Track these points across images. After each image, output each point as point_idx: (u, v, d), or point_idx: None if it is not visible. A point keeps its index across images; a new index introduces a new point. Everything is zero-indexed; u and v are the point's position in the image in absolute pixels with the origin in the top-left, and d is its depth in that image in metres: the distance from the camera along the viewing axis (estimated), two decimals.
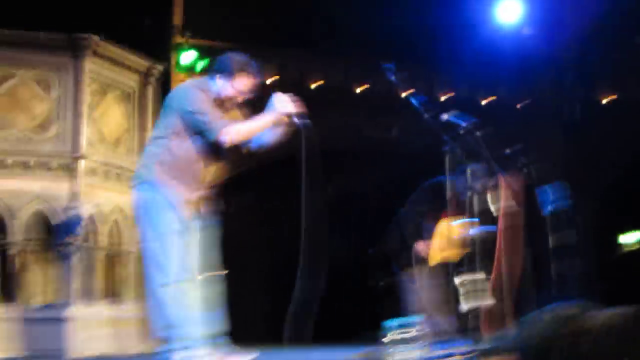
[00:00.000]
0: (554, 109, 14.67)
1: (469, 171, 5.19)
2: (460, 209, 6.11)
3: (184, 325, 4.49)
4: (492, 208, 5.37)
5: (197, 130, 4.34)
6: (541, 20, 13.28)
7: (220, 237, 4.77)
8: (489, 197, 5.54)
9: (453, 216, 6.68)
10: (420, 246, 6.65)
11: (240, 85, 4.41)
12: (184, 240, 4.54)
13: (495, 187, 5.42)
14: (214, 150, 4.42)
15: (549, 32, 13.44)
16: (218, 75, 4.42)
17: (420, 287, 6.81)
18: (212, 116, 4.29)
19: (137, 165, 4.65)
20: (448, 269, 6.93)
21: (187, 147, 4.41)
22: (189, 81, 4.53)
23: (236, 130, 4.26)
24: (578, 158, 13.85)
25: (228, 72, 4.41)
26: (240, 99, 4.49)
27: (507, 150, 6.58)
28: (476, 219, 5.42)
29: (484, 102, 14.48)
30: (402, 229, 6.74)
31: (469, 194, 5.18)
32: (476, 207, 5.26)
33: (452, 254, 6.88)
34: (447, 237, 6.82)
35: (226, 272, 4.64)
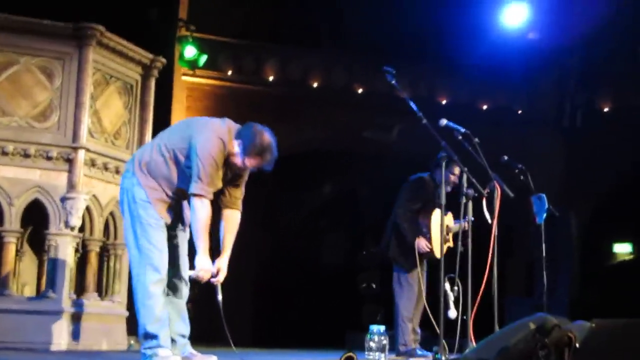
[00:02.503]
0: (555, 115, 14.69)
1: (464, 177, 5.21)
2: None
3: (158, 324, 4.50)
4: (486, 215, 5.39)
5: (188, 172, 4.50)
6: (545, 25, 13.29)
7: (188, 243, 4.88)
8: (483, 203, 5.55)
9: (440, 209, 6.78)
10: (421, 243, 6.66)
11: (250, 162, 4.55)
12: (164, 235, 4.58)
13: (491, 193, 5.43)
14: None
15: (553, 38, 13.45)
16: (238, 142, 4.49)
17: (415, 290, 6.84)
18: (207, 177, 4.44)
19: (131, 156, 4.71)
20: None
21: (173, 173, 4.59)
22: (217, 123, 4.58)
23: (202, 211, 4.44)
24: (578, 165, 13.88)
25: (246, 147, 4.50)
26: (244, 169, 4.65)
27: (505, 157, 6.63)
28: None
29: (484, 107, 14.51)
30: (399, 229, 6.77)
31: (463, 199, 5.21)
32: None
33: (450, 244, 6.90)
34: (444, 227, 6.86)
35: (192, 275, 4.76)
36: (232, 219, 4.74)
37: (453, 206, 5.19)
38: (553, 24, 13.22)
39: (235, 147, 4.53)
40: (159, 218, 4.58)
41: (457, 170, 6.44)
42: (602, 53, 13.71)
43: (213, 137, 4.49)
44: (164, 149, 4.59)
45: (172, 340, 4.71)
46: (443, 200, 5.10)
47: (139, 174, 4.60)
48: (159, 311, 4.54)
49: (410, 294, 6.79)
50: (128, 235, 4.65)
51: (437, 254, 6.71)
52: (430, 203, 6.78)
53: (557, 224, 9.46)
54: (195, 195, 4.43)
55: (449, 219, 6.80)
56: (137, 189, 4.58)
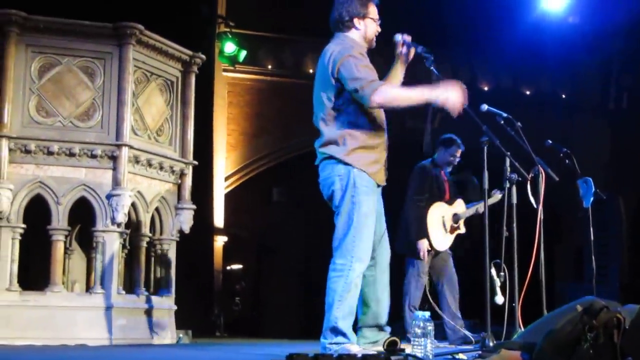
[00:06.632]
0: (600, 98, 14.46)
1: (507, 161, 5.16)
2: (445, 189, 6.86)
3: (349, 320, 4.25)
4: (531, 200, 5.32)
5: (353, 95, 4.25)
6: (587, 8, 13.08)
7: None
8: (528, 188, 5.49)
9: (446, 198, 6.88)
10: (422, 246, 6.72)
11: (375, 14, 4.39)
12: (374, 222, 4.35)
13: (535, 178, 5.36)
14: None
15: (595, 21, 13.23)
16: (355, 21, 4.37)
17: (424, 281, 6.92)
18: (364, 76, 4.17)
19: (322, 142, 4.39)
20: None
21: (368, 113, 4.32)
22: (334, 44, 4.38)
23: (386, 93, 4.19)
24: (626, 148, 13.64)
25: (361, 10, 4.37)
26: (379, 31, 4.46)
27: (549, 141, 6.56)
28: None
29: (527, 92, 14.34)
30: (407, 223, 6.82)
31: (507, 184, 5.15)
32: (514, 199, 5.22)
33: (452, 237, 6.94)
34: (446, 221, 6.88)
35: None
36: None
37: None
38: (593, 7, 13.01)
39: (360, 25, 4.39)
40: (372, 203, 4.34)
41: (458, 152, 6.91)
42: None
43: (343, 50, 4.30)
44: (340, 106, 4.33)
45: (380, 328, 4.54)
46: (486, 185, 5.05)
47: (346, 157, 4.31)
48: (354, 306, 4.31)
49: (418, 285, 6.86)
50: (340, 221, 4.34)
51: (439, 248, 6.81)
52: (433, 194, 6.84)
53: (606, 209, 9.33)
54: (371, 99, 4.17)
55: (458, 206, 6.87)
56: (356, 172, 4.30)
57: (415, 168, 7.03)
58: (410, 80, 4.61)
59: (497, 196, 6.67)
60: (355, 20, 4.41)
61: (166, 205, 7.31)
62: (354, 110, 4.31)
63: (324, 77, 4.37)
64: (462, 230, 6.97)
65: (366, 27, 4.43)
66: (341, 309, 4.23)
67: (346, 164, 4.29)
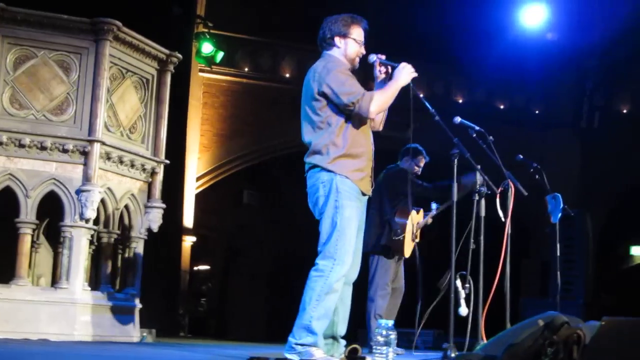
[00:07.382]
0: (573, 116, 14.62)
1: (477, 175, 5.20)
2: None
3: (324, 322, 4.29)
4: (500, 213, 5.37)
5: (345, 109, 4.41)
6: (564, 26, 13.21)
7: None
8: (497, 201, 5.53)
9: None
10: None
11: (359, 36, 4.52)
12: (357, 227, 4.45)
13: (504, 192, 5.41)
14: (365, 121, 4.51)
15: (572, 39, 13.37)
16: (336, 40, 4.51)
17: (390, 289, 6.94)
18: (357, 90, 4.36)
19: (308, 153, 4.50)
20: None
21: (351, 124, 4.46)
22: (319, 62, 4.53)
23: (377, 101, 4.38)
24: (595, 166, 13.81)
25: (343, 29, 4.51)
26: (362, 53, 4.58)
27: (520, 156, 6.63)
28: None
29: (501, 106, 14.46)
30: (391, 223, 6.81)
31: (476, 197, 5.20)
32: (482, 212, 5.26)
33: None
34: (414, 230, 6.94)
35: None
36: None
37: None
38: (572, 25, 13.16)
39: (342, 44, 4.51)
40: (355, 211, 4.43)
41: (422, 162, 6.79)
42: (621, 54, 13.62)
43: (330, 67, 4.42)
44: (325, 120, 4.42)
45: (335, 339, 4.54)
46: (455, 198, 5.08)
47: (329, 165, 4.41)
48: (331, 310, 4.33)
49: (384, 293, 6.85)
50: (324, 225, 4.42)
51: (407, 255, 6.85)
52: (406, 198, 6.86)
53: (574, 225, 9.42)
54: (365, 110, 4.34)
55: (420, 215, 6.94)
56: (338, 178, 4.40)
57: (397, 171, 6.99)
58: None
59: (433, 210, 6.80)
60: (337, 39, 4.54)
61: (136, 203, 7.28)
62: (338, 122, 4.43)
63: (310, 93, 4.49)
64: (418, 238, 7.02)
65: (347, 46, 4.54)
66: (317, 309, 4.27)
67: (329, 171, 4.41)
